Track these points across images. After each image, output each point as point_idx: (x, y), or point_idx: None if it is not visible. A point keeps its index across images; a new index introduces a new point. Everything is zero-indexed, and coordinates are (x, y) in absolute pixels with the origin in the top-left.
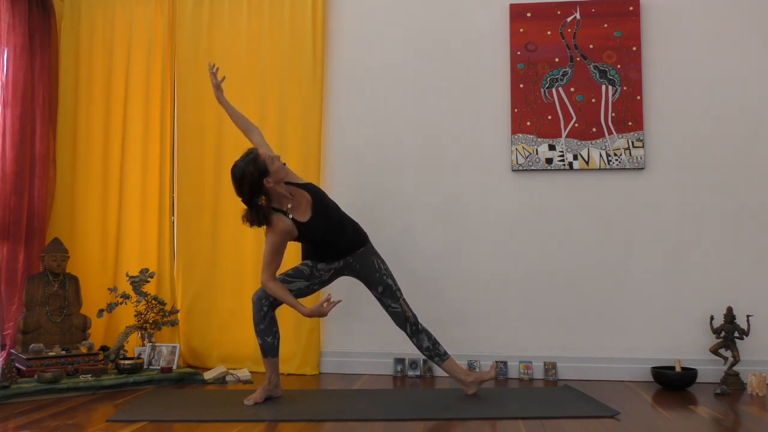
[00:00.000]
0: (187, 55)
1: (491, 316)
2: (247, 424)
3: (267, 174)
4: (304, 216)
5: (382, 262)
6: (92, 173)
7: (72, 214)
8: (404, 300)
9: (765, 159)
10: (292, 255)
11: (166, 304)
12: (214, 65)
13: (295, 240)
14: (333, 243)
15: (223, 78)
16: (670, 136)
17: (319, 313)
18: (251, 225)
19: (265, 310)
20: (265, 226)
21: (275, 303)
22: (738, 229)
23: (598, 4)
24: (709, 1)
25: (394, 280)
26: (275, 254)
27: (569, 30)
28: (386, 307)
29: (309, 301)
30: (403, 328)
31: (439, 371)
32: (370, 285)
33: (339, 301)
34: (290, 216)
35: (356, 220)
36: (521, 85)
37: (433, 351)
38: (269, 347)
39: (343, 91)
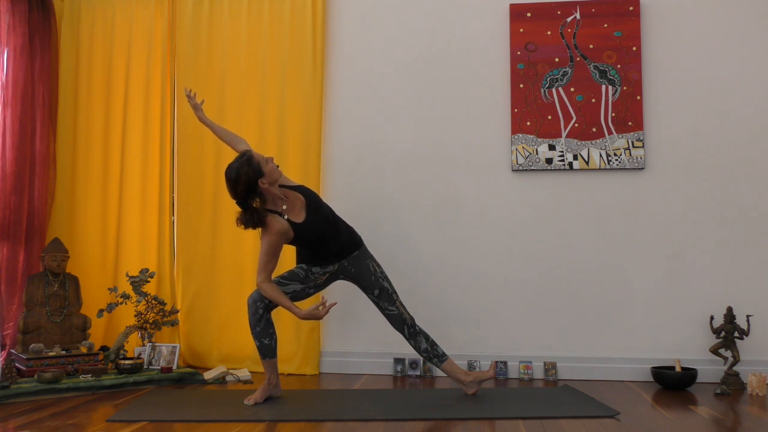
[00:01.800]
0: (187, 55)
1: (491, 316)
2: (247, 424)
3: (262, 175)
4: (299, 217)
5: (378, 265)
6: (92, 173)
7: (72, 214)
8: (401, 302)
9: (765, 158)
10: (287, 258)
11: (166, 304)
12: (190, 90)
13: (290, 243)
14: (328, 245)
15: (203, 101)
16: (670, 136)
17: (314, 316)
18: (245, 227)
19: (260, 313)
20: (260, 229)
21: (270, 305)
22: (738, 228)
23: (598, 4)
24: (709, 2)
25: (390, 283)
26: (271, 256)
27: (569, 30)
28: (383, 310)
29: (305, 305)
30: (400, 330)
31: (439, 371)
32: (366, 288)
33: (334, 304)
34: (285, 217)
35: (356, 220)
36: (521, 85)
37: (432, 352)
38: (267, 349)
39: (343, 91)
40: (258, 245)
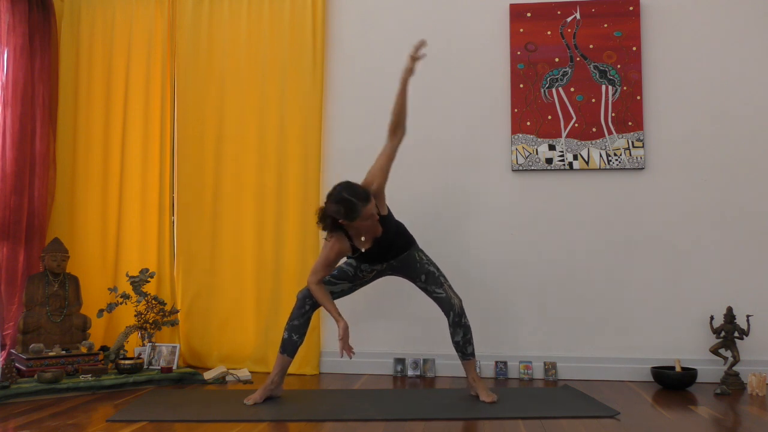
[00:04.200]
0: (187, 55)
1: (491, 316)
2: (247, 424)
3: (349, 221)
4: (365, 245)
5: (424, 254)
6: (92, 173)
7: (72, 214)
8: (449, 286)
9: (765, 159)
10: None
11: (166, 304)
12: (420, 44)
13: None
14: (383, 255)
15: (424, 55)
16: (670, 136)
17: (341, 335)
18: (317, 222)
19: (306, 309)
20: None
21: (316, 305)
22: (738, 228)
23: (598, 4)
24: (709, 2)
25: (437, 267)
26: (327, 266)
27: (569, 30)
28: (431, 294)
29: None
30: (447, 315)
31: (439, 372)
32: (413, 278)
33: (353, 353)
34: (352, 243)
35: None
36: (521, 85)
37: (461, 347)
38: (292, 345)
39: (343, 91)
40: (259, 245)
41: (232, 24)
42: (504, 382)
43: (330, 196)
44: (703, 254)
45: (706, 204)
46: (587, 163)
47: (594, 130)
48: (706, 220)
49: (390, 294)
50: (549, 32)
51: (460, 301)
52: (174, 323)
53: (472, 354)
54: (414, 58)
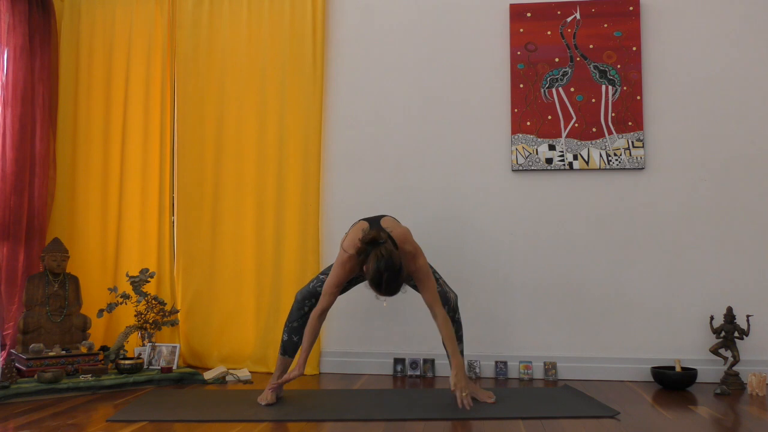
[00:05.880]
0: (187, 55)
1: (491, 316)
2: (247, 424)
3: (369, 279)
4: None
5: None
6: (92, 173)
7: (72, 214)
8: (444, 282)
9: (765, 158)
10: (333, 253)
11: (166, 304)
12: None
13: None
14: None
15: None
16: (670, 136)
17: (288, 378)
18: (361, 241)
19: (305, 310)
20: (342, 247)
21: (314, 305)
22: (738, 228)
23: (598, 4)
24: (709, 2)
25: (430, 266)
26: (339, 285)
27: (569, 30)
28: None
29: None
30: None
31: (439, 372)
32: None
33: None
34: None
35: (356, 220)
36: (521, 85)
37: None
38: (292, 346)
39: (343, 91)
40: (258, 244)
41: (232, 24)
42: (504, 382)
43: (382, 257)
44: (703, 254)
45: (706, 204)
46: (587, 163)
47: (594, 130)
48: (706, 220)
49: None
50: (549, 32)
51: (456, 296)
52: (174, 323)
53: (461, 352)
54: (463, 401)
